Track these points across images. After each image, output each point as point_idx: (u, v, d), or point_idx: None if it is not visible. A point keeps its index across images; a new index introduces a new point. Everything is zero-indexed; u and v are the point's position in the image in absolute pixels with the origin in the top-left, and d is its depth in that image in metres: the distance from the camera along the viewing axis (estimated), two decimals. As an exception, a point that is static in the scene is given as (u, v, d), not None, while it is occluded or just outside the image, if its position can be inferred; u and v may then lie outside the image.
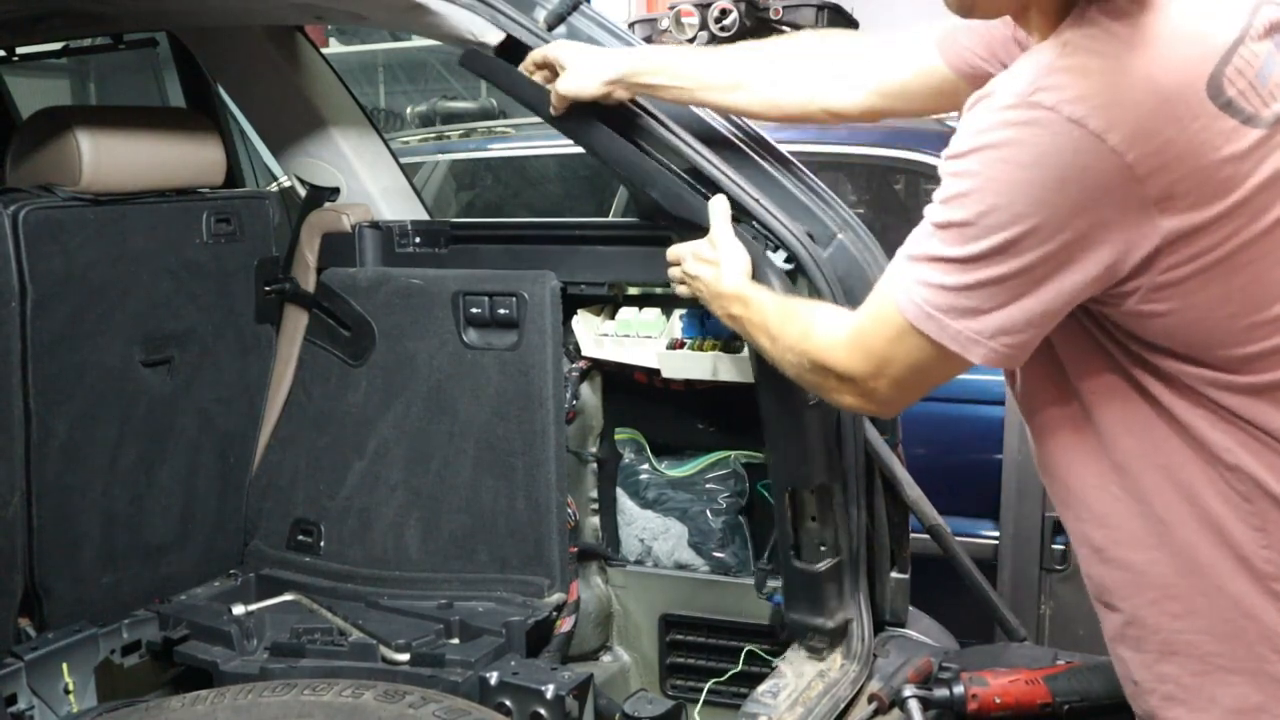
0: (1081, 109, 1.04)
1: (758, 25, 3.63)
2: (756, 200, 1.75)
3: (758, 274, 1.63)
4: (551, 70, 1.79)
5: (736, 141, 1.85)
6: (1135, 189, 1.05)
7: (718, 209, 1.69)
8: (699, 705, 2.10)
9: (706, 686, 2.11)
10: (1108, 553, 1.25)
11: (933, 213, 1.15)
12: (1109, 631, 1.30)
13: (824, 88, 1.65)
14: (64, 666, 1.92)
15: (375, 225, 2.28)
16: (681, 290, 1.71)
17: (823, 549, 1.84)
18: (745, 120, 1.87)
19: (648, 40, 1.86)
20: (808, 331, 1.37)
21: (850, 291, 1.74)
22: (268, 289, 2.30)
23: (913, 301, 1.17)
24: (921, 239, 1.17)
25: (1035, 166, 1.06)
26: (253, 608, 2.08)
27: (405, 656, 1.89)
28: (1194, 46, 1.06)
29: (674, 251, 1.71)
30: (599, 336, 2.09)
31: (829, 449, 1.80)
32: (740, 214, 1.76)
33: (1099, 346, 1.20)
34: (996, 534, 2.75)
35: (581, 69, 1.74)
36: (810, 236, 1.77)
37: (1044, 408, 1.28)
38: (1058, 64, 1.06)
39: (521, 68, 1.83)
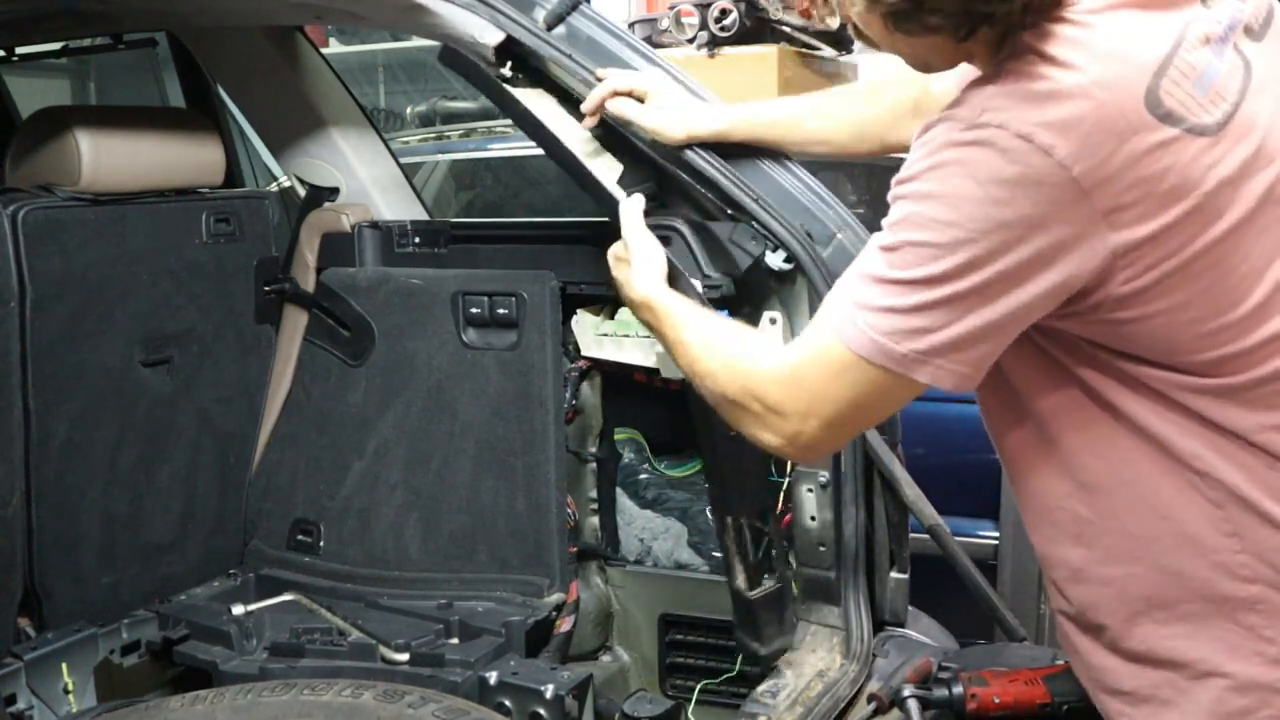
0: (1028, 125, 1.05)
1: (758, 25, 3.64)
2: (755, 199, 1.74)
3: (675, 276, 1.57)
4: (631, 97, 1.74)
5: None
6: (1083, 202, 1.06)
7: (627, 207, 1.64)
8: (692, 705, 2.10)
9: (699, 687, 2.11)
10: (1085, 572, 1.26)
11: (881, 237, 1.15)
12: (1086, 650, 1.30)
13: (895, 126, 1.67)
14: (63, 666, 1.92)
15: (375, 225, 2.28)
16: None
17: (760, 577, 1.86)
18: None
19: (647, 40, 1.87)
20: (734, 361, 1.31)
21: (850, 291, 1.73)
22: (267, 289, 2.30)
23: (856, 327, 1.15)
24: (867, 264, 1.16)
25: (987, 183, 1.06)
26: (252, 608, 2.08)
27: (405, 656, 1.89)
28: (1127, 64, 1.07)
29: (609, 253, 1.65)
30: (598, 336, 2.09)
31: (760, 478, 1.81)
32: (739, 213, 1.76)
33: (1054, 364, 1.20)
34: (996, 534, 2.75)
35: (671, 113, 1.71)
36: (809, 235, 1.77)
37: (1007, 434, 1.28)
38: (1001, 89, 1.08)
39: (603, 89, 1.74)
